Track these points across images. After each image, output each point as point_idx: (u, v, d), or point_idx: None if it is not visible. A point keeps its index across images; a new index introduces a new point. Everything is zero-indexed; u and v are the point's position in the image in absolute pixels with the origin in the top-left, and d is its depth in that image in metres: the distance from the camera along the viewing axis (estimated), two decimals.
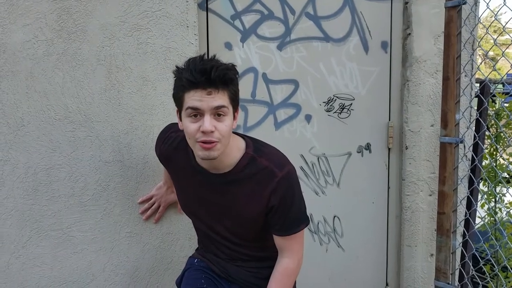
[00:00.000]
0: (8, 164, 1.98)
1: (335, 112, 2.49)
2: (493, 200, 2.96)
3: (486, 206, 2.96)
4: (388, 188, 2.60)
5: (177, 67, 1.45)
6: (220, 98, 1.39)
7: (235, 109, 1.47)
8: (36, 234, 2.04)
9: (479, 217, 2.44)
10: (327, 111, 2.48)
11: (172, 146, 1.68)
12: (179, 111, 1.47)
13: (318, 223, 2.54)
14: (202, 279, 1.75)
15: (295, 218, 1.57)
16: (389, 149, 2.57)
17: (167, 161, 1.73)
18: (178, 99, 1.44)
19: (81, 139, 2.04)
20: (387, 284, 2.65)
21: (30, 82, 1.96)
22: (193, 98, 1.37)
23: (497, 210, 2.91)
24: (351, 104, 2.50)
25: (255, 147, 1.57)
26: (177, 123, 1.58)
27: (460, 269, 2.27)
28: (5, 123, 1.96)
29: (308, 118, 2.45)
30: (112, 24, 2.03)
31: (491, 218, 2.94)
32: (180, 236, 2.21)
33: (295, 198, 1.55)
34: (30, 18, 1.94)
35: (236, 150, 1.54)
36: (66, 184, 2.04)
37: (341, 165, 2.53)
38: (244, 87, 2.32)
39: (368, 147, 2.55)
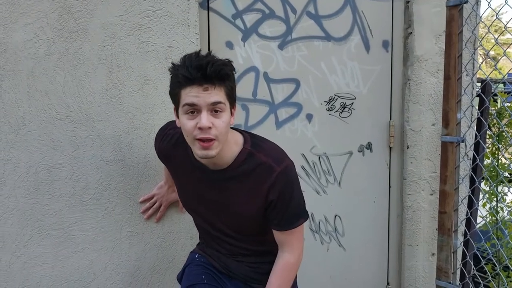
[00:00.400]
0: (9, 163, 1.98)
1: (336, 111, 2.48)
2: (495, 199, 2.96)
3: (487, 206, 2.96)
4: (389, 187, 2.60)
5: (173, 64, 1.45)
6: (217, 94, 1.38)
7: (232, 105, 1.47)
8: (37, 233, 2.04)
9: (480, 216, 2.44)
10: (328, 110, 2.47)
11: (170, 143, 1.68)
12: (176, 109, 1.47)
13: (320, 222, 2.54)
14: (202, 274, 1.76)
15: (294, 213, 1.57)
16: (390, 148, 2.57)
17: (166, 159, 1.73)
18: (175, 96, 1.44)
19: (82, 138, 2.04)
20: (388, 284, 2.65)
21: (31, 81, 1.96)
22: (190, 95, 1.37)
23: (498, 209, 2.90)
24: (352, 103, 2.50)
25: (253, 142, 1.56)
26: (175, 121, 1.58)
27: (461, 268, 2.27)
28: (6, 122, 1.96)
29: (309, 117, 2.45)
30: (113, 23, 2.02)
31: (493, 218, 2.93)
32: (182, 235, 2.21)
33: (294, 193, 1.55)
34: (31, 17, 1.94)
35: (234, 145, 1.54)
36: (67, 183, 2.04)
37: (342, 164, 2.53)
38: (245, 87, 2.32)
39: (369, 146, 2.55)
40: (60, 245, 2.07)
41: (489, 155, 2.82)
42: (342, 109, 2.49)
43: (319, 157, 2.49)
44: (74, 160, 2.04)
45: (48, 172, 2.02)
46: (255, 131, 2.34)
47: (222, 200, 1.59)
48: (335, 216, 2.56)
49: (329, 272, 2.58)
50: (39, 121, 1.99)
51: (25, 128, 1.98)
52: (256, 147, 1.55)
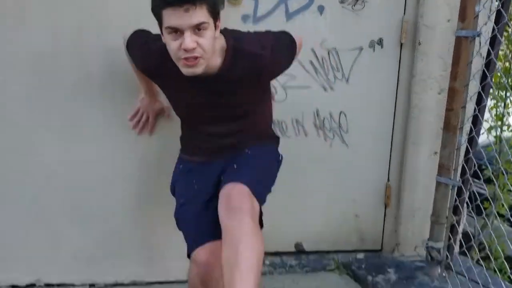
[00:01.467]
0: None
1: (349, 3, 2.39)
2: (502, 105, 2.95)
3: (494, 111, 2.95)
4: (397, 85, 2.55)
5: None
6: (198, 15, 1.36)
7: (215, 20, 1.45)
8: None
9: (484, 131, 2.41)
10: (341, 3, 2.38)
11: (158, 60, 1.61)
12: (160, 27, 1.46)
13: (324, 119, 2.53)
14: (193, 184, 1.77)
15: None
16: (401, 44, 2.49)
17: (156, 76, 1.71)
18: (156, 15, 1.43)
19: None
20: (388, 180, 2.69)
21: None
22: (171, 17, 1.36)
23: (505, 113, 2.90)
24: None
25: (234, 38, 1.58)
26: (145, 31, 1.69)
27: (463, 165, 2.29)
28: None
29: (320, 9, 2.36)
30: None
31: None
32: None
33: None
34: None
35: (220, 50, 1.56)
36: None
37: (352, 60, 2.47)
38: None
39: (380, 42, 2.47)
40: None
41: (502, 58, 2.76)
42: (355, 1, 2.38)
43: (329, 52, 2.43)
44: None
45: None
46: (263, 23, 2.29)
47: (221, 100, 1.64)
48: (340, 112, 2.54)
49: (330, 167, 2.60)
50: None
51: None
52: (238, 40, 1.58)
